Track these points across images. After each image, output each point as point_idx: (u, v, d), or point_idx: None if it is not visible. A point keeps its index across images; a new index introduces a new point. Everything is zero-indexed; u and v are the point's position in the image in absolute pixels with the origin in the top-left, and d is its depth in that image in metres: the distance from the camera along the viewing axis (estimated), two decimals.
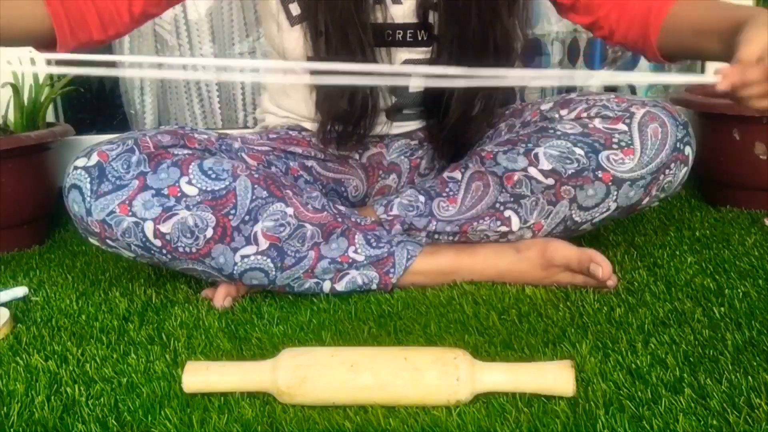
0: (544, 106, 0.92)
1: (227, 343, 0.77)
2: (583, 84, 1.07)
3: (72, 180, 0.81)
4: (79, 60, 0.68)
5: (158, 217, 0.79)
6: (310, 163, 0.97)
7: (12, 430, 0.62)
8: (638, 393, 0.62)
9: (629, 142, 0.84)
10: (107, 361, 0.74)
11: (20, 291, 0.94)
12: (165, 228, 0.79)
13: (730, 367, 0.65)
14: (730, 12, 0.78)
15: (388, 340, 0.76)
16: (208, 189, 0.81)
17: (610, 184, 0.84)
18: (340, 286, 0.87)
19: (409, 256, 0.88)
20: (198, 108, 1.58)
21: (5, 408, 0.65)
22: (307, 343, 0.76)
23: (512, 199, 0.87)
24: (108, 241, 0.81)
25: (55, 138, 1.20)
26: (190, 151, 0.85)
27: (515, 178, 0.86)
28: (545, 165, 0.85)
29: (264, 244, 0.83)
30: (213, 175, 0.81)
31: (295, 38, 0.90)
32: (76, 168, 0.81)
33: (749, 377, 0.63)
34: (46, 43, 0.82)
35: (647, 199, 0.87)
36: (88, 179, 0.80)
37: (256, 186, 0.83)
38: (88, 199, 0.79)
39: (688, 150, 0.86)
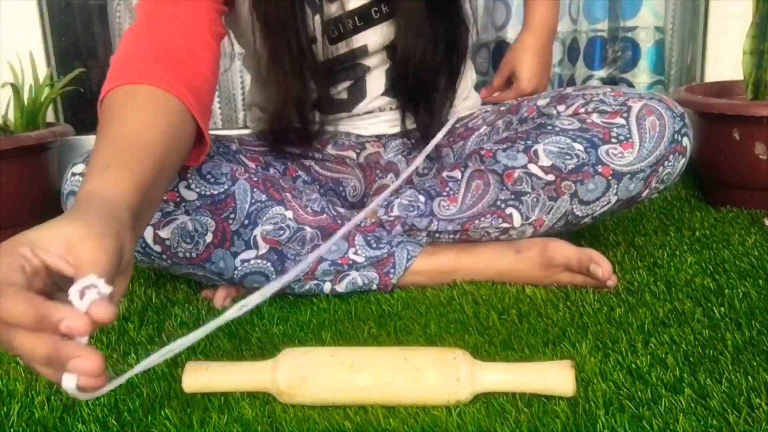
0: (541, 102, 0.92)
1: (227, 343, 0.77)
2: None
3: (70, 186, 0.80)
4: None
5: (157, 222, 0.79)
6: (308, 162, 0.97)
7: (12, 430, 0.62)
8: (638, 393, 0.62)
9: (628, 135, 0.84)
10: (107, 361, 0.74)
11: None
12: (164, 233, 0.79)
13: (730, 367, 0.65)
14: None
15: (388, 340, 0.76)
16: (207, 193, 0.80)
17: (610, 178, 0.84)
18: (341, 287, 0.87)
19: (409, 257, 0.88)
20: None
21: (5, 408, 0.65)
22: (307, 343, 0.76)
23: (513, 197, 0.87)
24: None
25: (55, 138, 1.20)
26: None
27: (515, 175, 0.86)
28: (545, 161, 0.85)
29: (264, 247, 0.82)
30: (212, 180, 0.81)
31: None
32: (74, 174, 0.80)
33: (749, 377, 0.63)
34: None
35: (647, 191, 0.87)
36: None
37: (255, 189, 0.83)
38: None
39: (685, 141, 0.86)
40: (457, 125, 1.02)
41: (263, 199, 0.83)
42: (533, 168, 0.86)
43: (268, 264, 0.83)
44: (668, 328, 0.74)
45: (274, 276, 0.84)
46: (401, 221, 0.89)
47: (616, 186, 0.85)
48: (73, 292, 0.46)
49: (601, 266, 0.82)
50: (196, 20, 0.76)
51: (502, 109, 0.99)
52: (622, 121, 0.85)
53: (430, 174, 1.00)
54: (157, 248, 0.80)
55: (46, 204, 1.22)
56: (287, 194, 0.85)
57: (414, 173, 1.02)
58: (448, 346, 0.73)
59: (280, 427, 0.61)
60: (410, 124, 0.99)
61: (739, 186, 1.16)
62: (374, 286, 0.88)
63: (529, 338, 0.74)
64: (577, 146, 0.84)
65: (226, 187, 0.81)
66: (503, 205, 0.87)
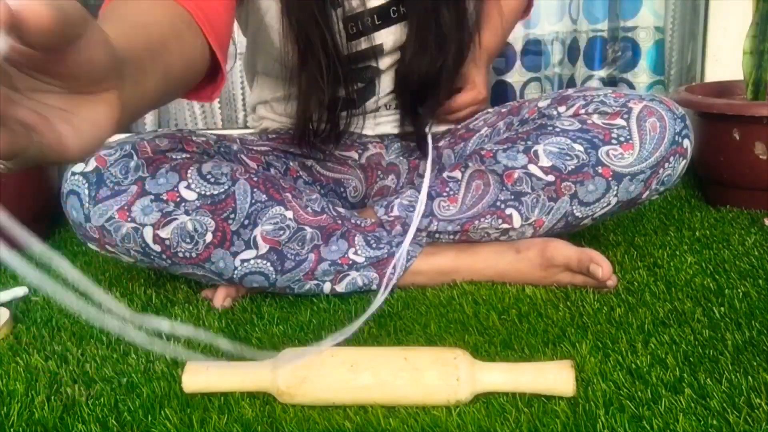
0: (542, 103, 0.92)
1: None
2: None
3: (70, 186, 0.80)
4: None
5: (157, 222, 0.79)
6: (309, 162, 0.97)
7: (12, 430, 0.62)
8: (638, 393, 0.62)
9: (628, 137, 0.84)
10: (107, 361, 0.74)
11: (20, 291, 0.94)
12: (164, 233, 0.79)
13: (730, 367, 0.65)
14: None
15: (388, 340, 0.76)
16: (207, 194, 0.80)
17: (610, 179, 0.84)
18: (341, 288, 0.87)
19: (409, 257, 0.88)
20: (198, 108, 1.57)
21: (5, 408, 0.65)
22: (307, 343, 0.76)
23: (513, 197, 0.87)
24: (107, 246, 0.81)
25: None
26: (188, 155, 0.84)
27: (515, 175, 0.86)
28: (545, 162, 0.85)
29: (264, 247, 0.82)
30: (212, 180, 0.81)
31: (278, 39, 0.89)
32: (74, 174, 0.81)
33: (749, 377, 0.63)
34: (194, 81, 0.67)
35: (647, 192, 0.87)
36: (86, 185, 0.79)
37: (255, 189, 0.83)
38: (87, 205, 0.79)
39: (686, 143, 0.86)
40: (458, 126, 1.02)
41: (263, 199, 0.83)
42: (533, 168, 0.86)
43: (268, 264, 0.83)
44: (668, 328, 0.74)
45: (273, 276, 0.84)
46: (401, 221, 0.89)
47: (616, 187, 0.85)
48: None
49: (601, 266, 0.82)
50: None
51: (503, 110, 0.99)
52: (623, 123, 0.84)
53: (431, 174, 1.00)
54: (157, 248, 0.80)
55: (46, 204, 1.22)
56: (287, 194, 0.85)
57: (415, 174, 1.02)
58: (448, 346, 0.73)
59: (280, 427, 0.61)
60: (409, 126, 0.99)
61: (739, 186, 1.16)
62: (374, 287, 0.88)
63: (529, 338, 0.74)
64: (578, 147, 0.84)
65: (226, 187, 0.81)
66: (503, 206, 0.87)
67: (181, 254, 0.81)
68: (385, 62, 0.94)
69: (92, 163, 0.80)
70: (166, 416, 0.62)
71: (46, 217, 1.24)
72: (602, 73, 1.48)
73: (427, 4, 0.89)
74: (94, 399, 0.67)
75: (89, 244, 0.83)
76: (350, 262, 0.86)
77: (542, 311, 0.80)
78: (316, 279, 0.87)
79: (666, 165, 0.85)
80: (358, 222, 0.89)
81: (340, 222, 0.87)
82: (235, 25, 0.91)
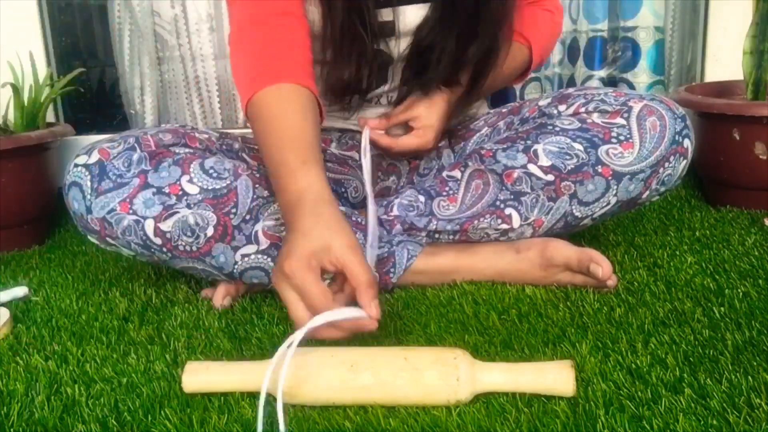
0: (542, 102, 0.92)
1: (227, 343, 0.77)
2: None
3: (72, 177, 0.81)
4: None
5: (159, 215, 0.79)
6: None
7: (12, 430, 0.62)
8: (638, 393, 0.62)
9: (628, 136, 0.84)
10: (107, 361, 0.74)
11: (20, 291, 0.94)
12: (165, 226, 0.79)
13: (730, 367, 0.65)
14: None
15: (388, 340, 0.76)
16: (210, 188, 0.81)
17: (610, 178, 0.84)
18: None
19: (409, 256, 0.88)
20: (198, 108, 1.57)
21: (5, 408, 0.65)
22: (307, 343, 0.76)
23: (512, 197, 0.87)
24: (108, 239, 0.81)
25: (55, 138, 1.20)
26: (191, 150, 0.85)
27: (515, 175, 0.86)
28: (545, 161, 0.85)
29: (264, 243, 0.83)
30: (214, 174, 0.81)
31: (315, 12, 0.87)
32: (76, 165, 0.81)
33: (749, 377, 0.63)
34: None
35: (647, 192, 0.87)
36: (89, 177, 0.80)
37: (257, 186, 0.83)
38: (89, 196, 0.79)
39: (687, 142, 0.86)
40: (459, 126, 1.02)
41: (265, 195, 0.83)
42: (533, 168, 0.86)
43: (269, 259, 0.83)
44: (668, 328, 0.74)
45: None
46: (401, 220, 0.89)
47: (615, 187, 0.85)
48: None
49: (602, 266, 0.82)
50: (286, 6, 0.82)
51: (503, 110, 0.99)
52: (623, 122, 0.84)
53: (431, 174, 1.00)
54: (158, 241, 0.80)
55: (46, 204, 1.22)
56: None
57: (415, 174, 1.02)
58: (448, 346, 0.73)
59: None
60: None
61: (739, 186, 1.16)
62: None
63: (529, 338, 0.74)
64: (577, 146, 0.84)
65: (229, 182, 0.82)
66: (502, 206, 0.87)
67: (181, 247, 0.81)
68: (401, 45, 0.92)
69: (95, 155, 0.80)
70: (166, 416, 0.62)
71: (46, 217, 1.24)
72: (602, 73, 1.48)
73: None
74: (94, 399, 0.67)
75: (90, 237, 0.83)
76: None
77: (542, 311, 0.80)
78: None
79: (666, 164, 0.85)
80: (359, 220, 0.89)
81: None
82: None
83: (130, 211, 0.79)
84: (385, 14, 0.88)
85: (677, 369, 0.66)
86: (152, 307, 0.88)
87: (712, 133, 1.17)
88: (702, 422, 0.57)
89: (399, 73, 0.95)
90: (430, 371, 0.62)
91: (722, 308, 0.78)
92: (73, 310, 0.89)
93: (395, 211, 0.89)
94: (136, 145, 0.81)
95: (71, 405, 0.66)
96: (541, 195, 0.86)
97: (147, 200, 0.79)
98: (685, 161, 0.87)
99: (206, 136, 0.90)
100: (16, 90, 1.19)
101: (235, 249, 0.82)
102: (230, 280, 0.86)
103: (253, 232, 0.82)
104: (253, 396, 0.65)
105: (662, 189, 0.88)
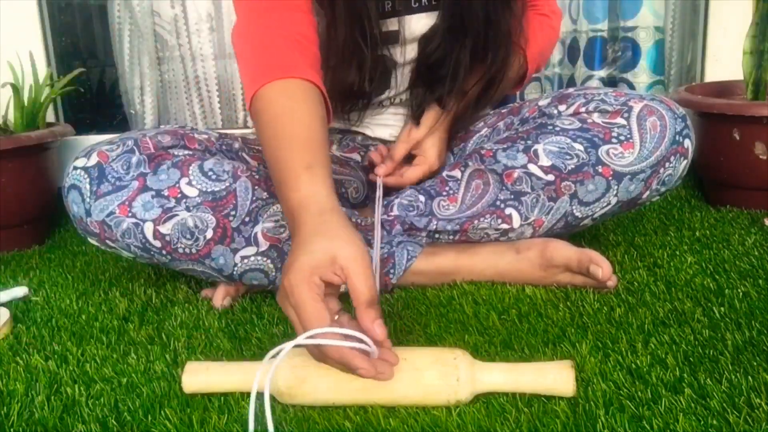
0: (542, 102, 0.92)
1: (227, 343, 0.77)
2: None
3: (71, 180, 0.81)
4: None
5: (158, 218, 0.79)
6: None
7: (12, 430, 0.62)
8: (638, 393, 0.62)
9: (628, 136, 0.84)
10: (107, 361, 0.74)
11: (20, 291, 0.94)
12: (165, 229, 0.79)
13: (730, 367, 0.65)
14: None
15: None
16: (209, 190, 0.81)
17: (610, 178, 0.84)
18: (340, 287, 0.87)
19: (409, 257, 0.88)
20: (198, 108, 1.57)
21: (5, 408, 0.65)
22: None
23: (513, 197, 0.87)
24: (107, 241, 0.81)
25: (55, 138, 1.20)
26: (190, 152, 0.85)
27: (515, 175, 0.86)
28: (545, 161, 0.85)
29: (264, 245, 0.82)
30: (213, 177, 0.81)
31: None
32: (75, 168, 0.81)
33: (749, 377, 0.63)
34: None
35: (648, 192, 0.87)
36: (88, 180, 0.80)
37: (256, 187, 0.83)
38: (88, 199, 0.79)
39: (687, 142, 0.86)
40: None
41: (264, 197, 0.83)
42: (533, 168, 0.85)
43: (268, 261, 0.83)
44: (668, 328, 0.74)
45: (273, 273, 0.84)
46: (401, 220, 0.89)
47: (616, 187, 0.85)
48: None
49: (601, 267, 0.82)
50: (299, 2, 0.80)
51: (503, 111, 0.99)
52: (623, 121, 0.84)
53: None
54: (157, 243, 0.80)
55: (46, 204, 1.22)
56: None
57: None
58: (448, 346, 0.73)
59: (280, 427, 0.61)
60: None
61: (739, 186, 1.16)
62: None
63: (529, 338, 0.74)
64: (577, 146, 0.84)
65: (228, 184, 0.81)
66: (502, 205, 0.87)
67: (181, 250, 0.81)
68: (406, 52, 0.92)
69: (94, 158, 0.80)
70: (166, 416, 0.62)
71: (46, 217, 1.24)
72: (602, 73, 1.48)
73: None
74: (94, 399, 0.67)
75: (90, 239, 0.83)
76: None
77: (542, 311, 0.80)
78: None
79: (666, 164, 0.85)
80: (358, 221, 0.89)
81: None
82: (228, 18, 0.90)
83: (129, 214, 0.79)
84: (390, 23, 0.89)
85: (677, 369, 0.66)
86: (152, 307, 0.88)
87: (712, 133, 1.17)
88: (702, 422, 0.57)
89: (404, 78, 0.95)
90: (430, 371, 0.62)
91: (722, 308, 0.78)
92: (73, 310, 0.89)
93: (395, 211, 0.89)
94: (134, 147, 0.81)
95: (71, 405, 0.66)
96: (542, 195, 0.86)
97: (146, 203, 0.79)
98: (685, 161, 0.87)
99: (206, 136, 0.90)
100: (16, 90, 1.19)
101: (235, 251, 0.82)
102: (230, 281, 0.86)
103: (252, 234, 0.82)
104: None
105: (663, 189, 0.88)
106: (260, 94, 0.74)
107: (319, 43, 0.83)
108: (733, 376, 0.64)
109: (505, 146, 0.88)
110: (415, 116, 0.96)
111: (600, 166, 0.84)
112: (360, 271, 0.59)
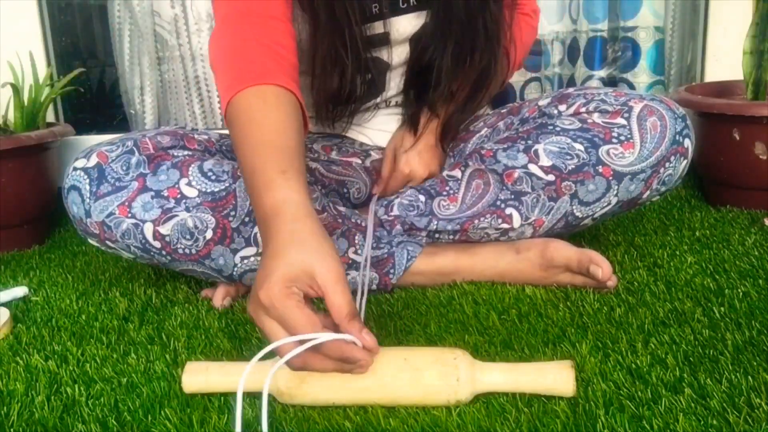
0: (542, 102, 0.92)
1: (227, 343, 0.77)
2: None
3: (71, 181, 0.81)
4: None
5: (158, 218, 0.79)
6: (313, 165, 0.97)
7: (12, 430, 0.62)
8: (638, 393, 0.62)
9: (629, 136, 0.84)
10: (107, 361, 0.74)
11: (20, 291, 0.94)
12: (164, 229, 0.79)
13: (730, 367, 0.65)
14: None
15: (388, 340, 0.76)
16: (208, 191, 0.81)
17: (610, 178, 0.84)
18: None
19: (409, 257, 0.88)
20: (198, 108, 1.57)
21: (5, 408, 0.65)
22: None
23: (513, 197, 0.87)
24: (107, 242, 0.81)
25: (55, 138, 1.20)
26: (189, 153, 0.85)
27: (515, 175, 0.86)
28: (545, 161, 0.85)
29: None
30: (213, 177, 0.81)
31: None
32: (75, 169, 0.81)
33: (749, 377, 0.63)
34: None
35: (648, 192, 0.87)
36: (88, 181, 0.80)
37: None
38: (88, 200, 0.79)
39: (687, 142, 0.86)
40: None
41: None
42: (533, 168, 0.85)
43: None
44: (668, 328, 0.74)
45: None
46: (401, 221, 0.89)
47: (616, 187, 0.85)
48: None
49: (601, 267, 0.82)
50: (273, 9, 0.79)
51: (503, 111, 0.99)
52: (623, 122, 0.84)
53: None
54: (157, 244, 0.80)
55: (46, 204, 1.22)
56: None
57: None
58: (448, 346, 0.73)
59: (280, 427, 0.61)
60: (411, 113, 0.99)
61: (739, 186, 1.16)
62: (374, 286, 0.88)
63: (529, 338, 0.74)
64: (578, 146, 0.84)
65: (227, 184, 0.81)
66: (503, 205, 0.87)
67: (180, 250, 0.81)
68: (397, 54, 0.92)
69: (94, 159, 0.80)
70: (166, 416, 0.62)
71: (46, 217, 1.24)
72: (602, 73, 1.47)
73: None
74: (94, 399, 0.67)
75: (89, 240, 0.83)
76: (350, 261, 0.86)
77: (542, 311, 0.80)
78: None
79: (667, 164, 0.85)
80: (359, 221, 0.89)
81: (340, 221, 0.87)
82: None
83: (129, 215, 0.79)
84: (377, 26, 0.88)
85: (677, 369, 0.66)
86: (152, 307, 0.88)
87: (712, 133, 1.17)
88: (702, 422, 0.57)
89: (397, 81, 0.95)
90: (430, 371, 0.62)
91: (722, 308, 0.78)
92: (73, 310, 0.89)
93: (395, 211, 0.89)
94: (134, 148, 0.81)
95: (71, 405, 0.66)
96: (542, 195, 0.86)
97: (146, 204, 0.79)
98: (685, 161, 0.87)
99: (205, 137, 0.90)
100: (16, 90, 1.19)
101: (235, 251, 0.82)
102: (230, 282, 0.86)
103: (252, 235, 0.82)
104: (254, 396, 0.65)
105: (663, 189, 0.88)
106: (234, 101, 0.72)
107: (306, 51, 0.83)
108: (733, 376, 0.64)
109: (505, 146, 0.88)
110: (408, 120, 0.97)
111: (600, 166, 0.84)
112: (338, 287, 0.58)
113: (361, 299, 0.74)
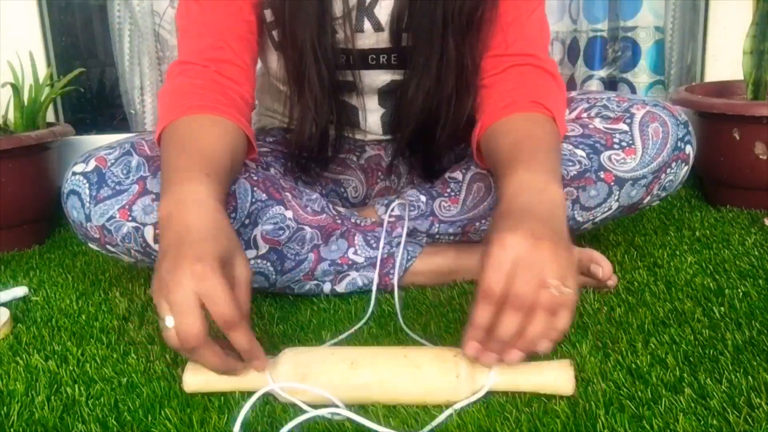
0: None
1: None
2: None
3: (71, 186, 0.80)
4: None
5: (158, 222, 0.79)
6: (311, 164, 0.97)
7: (12, 430, 0.62)
8: (638, 393, 0.62)
9: (630, 141, 0.84)
10: (107, 361, 0.74)
11: (20, 291, 0.94)
12: None
13: (730, 367, 0.65)
14: (509, 163, 0.69)
15: (388, 340, 0.76)
16: None
17: (612, 184, 0.84)
18: (341, 288, 0.87)
19: (409, 257, 0.88)
20: None
21: (5, 408, 0.65)
22: (307, 342, 0.76)
23: None
24: (108, 246, 0.81)
25: (55, 138, 1.20)
26: None
27: None
28: None
29: (264, 247, 0.82)
30: None
31: (275, 60, 0.89)
32: (74, 174, 0.81)
33: (749, 377, 0.63)
34: None
35: (648, 197, 0.87)
36: (87, 185, 0.79)
37: (255, 189, 0.83)
38: (87, 204, 0.79)
39: (688, 149, 0.86)
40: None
41: (263, 199, 0.83)
42: None
43: (268, 264, 0.83)
44: (668, 328, 0.74)
45: (273, 276, 0.84)
46: (402, 222, 0.88)
47: (617, 192, 0.85)
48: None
49: (602, 266, 0.82)
50: (231, 44, 0.82)
51: None
52: (625, 127, 0.84)
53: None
54: (157, 247, 0.80)
55: (46, 204, 1.22)
56: (287, 194, 0.85)
57: (414, 177, 1.02)
58: (448, 346, 0.73)
59: (280, 427, 0.60)
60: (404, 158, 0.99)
61: (739, 186, 1.16)
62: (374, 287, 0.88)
63: None
64: (579, 152, 0.84)
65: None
66: None
67: None
68: (369, 101, 0.92)
69: (92, 163, 0.80)
70: (166, 416, 0.62)
71: (46, 217, 1.24)
72: (602, 72, 1.48)
73: (424, 52, 0.83)
74: (94, 399, 0.67)
75: (90, 244, 0.83)
76: (350, 261, 0.86)
77: None
78: (316, 279, 0.87)
79: (668, 170, 0.85)
80: (358, 221, 0.89)
81: (339, 221, 0.87)
82: None
83: (130, 218, 0.79)
84: (347, 74, 0.88)
85: (677, 369, 0.66)
86: (152, 307, 0.88)
87: (712, 133, 1.17)
88: (702, 422, 0.57)
89: (376, 123, 0.95)
90: (429, 369, 0.62)
91: (722, 308, 0.78)
92: (73, 310, 0.89)
93: (396, 211, 0.89)
94: (132, 150, 0.81)
95: (71, 405, 0.66)
96: None
97: (146, 207, 0.79)
98: (686, 167, 0.87)
99: None
100: (16, 90, 1.19)
101: None
102: None
103: (252, 237, 0.82)
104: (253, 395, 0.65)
105: (663, 194, 0.88)
106: (169, 126, 0.74)
107: (278, 89, 0.86)
108: (733, 376, 0.64)
109: None
110: (388, 166, 0.99)
111: (602, 172, 0.84)
112: (249, 286, 0.62)
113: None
